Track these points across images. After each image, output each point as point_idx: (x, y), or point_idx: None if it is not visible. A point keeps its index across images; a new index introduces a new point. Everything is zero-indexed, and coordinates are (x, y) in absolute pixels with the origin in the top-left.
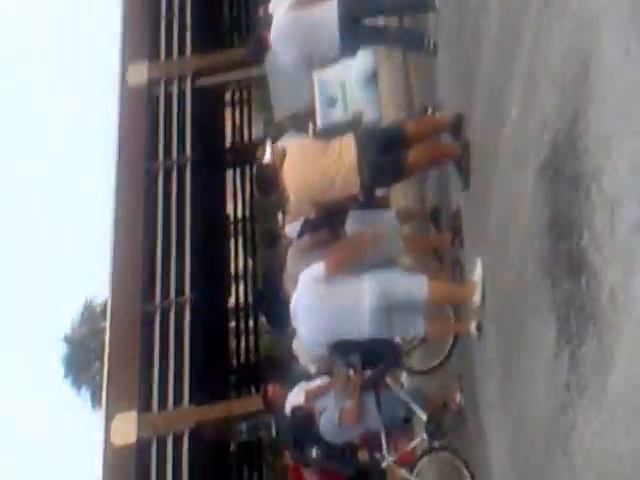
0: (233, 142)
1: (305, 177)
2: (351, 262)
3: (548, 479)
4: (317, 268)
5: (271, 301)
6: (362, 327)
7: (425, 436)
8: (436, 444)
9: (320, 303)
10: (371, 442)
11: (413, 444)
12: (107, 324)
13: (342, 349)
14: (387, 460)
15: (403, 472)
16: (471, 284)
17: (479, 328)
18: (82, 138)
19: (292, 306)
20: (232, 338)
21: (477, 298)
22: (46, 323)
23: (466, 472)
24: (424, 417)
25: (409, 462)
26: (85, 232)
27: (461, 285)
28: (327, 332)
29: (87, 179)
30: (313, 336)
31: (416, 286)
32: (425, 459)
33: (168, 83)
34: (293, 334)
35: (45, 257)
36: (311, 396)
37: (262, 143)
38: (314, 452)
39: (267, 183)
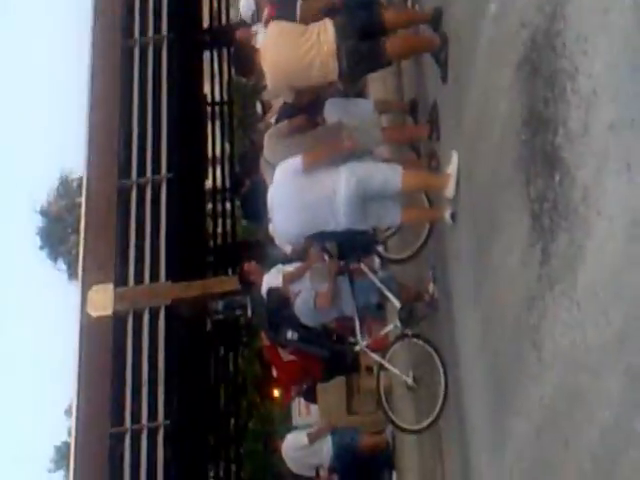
0: (211, 23)
1: (283, 59)
2: (328, 159)
3: (516, 370)
4: (295, 161)
5: (248, 189)
6: (338, 217)
7: (398, 323)
8: (408, 331)
9: (297, 195)
10: (345, 326)
11: (386, 330)
12: (83, 199)
13: (318, 237)
14: (360, 344)
15: (376, 356)
16: (445, 176)
17: (453, 217)
18: (57, 16)
19: (269, 198)
20: (209, 220)
21: (450, 190)
22: (21, 195)
23: (437, 359)
24: (397, 304)
25: (381, 347)
26: (62, 107)
27: (436, 176)
28: (303, 225)
29: (62, 54)
30: (289, 229)
31: (391, 175)
32: (397, 345)
33: None
34: (270, 219)
35: (20, 132)
36: (288, 278)
37: (241, 25)
38: (289, 334)
39: (245, 64)
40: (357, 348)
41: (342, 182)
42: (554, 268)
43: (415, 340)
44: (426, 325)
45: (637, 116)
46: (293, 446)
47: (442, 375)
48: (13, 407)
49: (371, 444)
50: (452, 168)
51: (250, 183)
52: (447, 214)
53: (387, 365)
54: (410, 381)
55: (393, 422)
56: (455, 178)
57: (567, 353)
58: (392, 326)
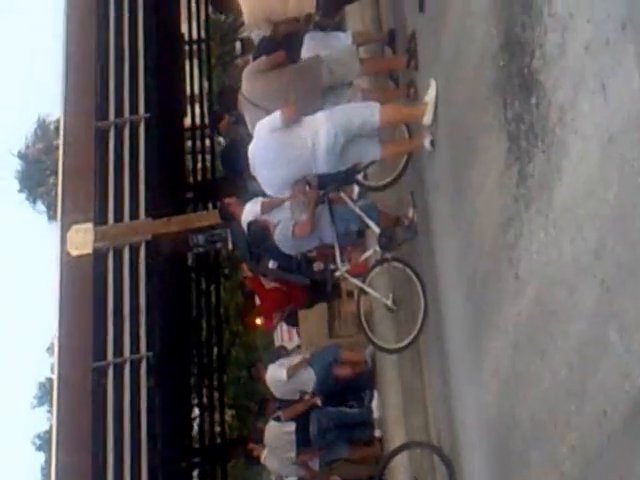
0: None
1: None
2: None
3: (494, 288)
4: (272, 118)
5: (226, 146)
6: (319, 165)
7: (377, 248)
8: (388, 255)
9: (278, 152)
10: (326, 254)
11: (366, 255)
12: (60, 141)
13: None
14: (341, 270)
15: (356, 281)
16: (423, 104)
17: (432, 143)
18: None
19: (250, 156)
20: (189, 157)
21: (429, 117)
22: None
23: (416, 281)
24: (377, 230)
25: (362, 272)
26: (38, 50)
27: (413, 106)
28: (288, 176)
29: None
30: (274, 182)
31: (369, 114)
32: (377, 269)
33: None
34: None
35: None
36: (267, 207)
37: None
38: (270, 263)
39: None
40: (338, 274)
41: (322, 134)
42: (531, 188)
43: (395, 263)
44: (405, 249)
45: (612, 36)
46: (273, 379)
47: (421, 296)
48: None
49: (351, 358)
50: (430, 96)
51: (228, 140)
52: (427, 141)
53: (367, 289)
54: (390, 303)
55: (374, 342)
56: (433, 106)
57: (543, 270)
58: (372, 251)
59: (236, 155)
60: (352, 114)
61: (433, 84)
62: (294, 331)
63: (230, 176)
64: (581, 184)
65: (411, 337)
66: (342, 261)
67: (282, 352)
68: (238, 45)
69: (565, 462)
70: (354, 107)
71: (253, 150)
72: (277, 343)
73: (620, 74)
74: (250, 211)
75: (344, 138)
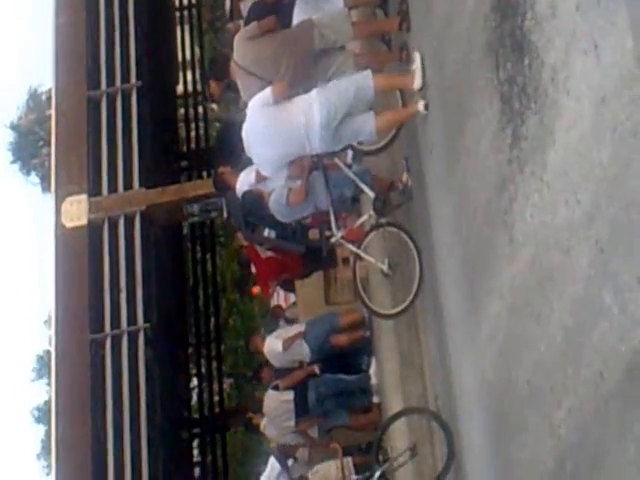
0: None
1: None
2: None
3: (489, 251)
4: (264, 94)
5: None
6: (313, 144)
7: (372, 213)
8: (383, 220)
9: (270, 126)
10: (321, 220)
11: (361, 221)
12: (52, 111)
13: None
14: (336, 236)
15: (351, 247)
16: (411, 72)
17: (427, 107)
18: None
19: (244, 135)
20: (182, 125)
21: (418, 82)
22: None
23: (412, 245)
24: (372, 195)
25: (357, 238)
26: (28, 20)
27: (403, 74)
28: (281, 153)
29: None
30: (268, 159)
31: (362, 81)
32: (372, 234)
33: None
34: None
35: None
36: (261, 176)
37: None
38: (266, 232)
39: None
40: (333, 240)
41: (315, 111)
42: (524, 150)
43: (390, 228)
44: (400, 213)
45: None
46: (271, 350)
47: (417, 260)
48: None
49: (350, 320)
50: (416, 64)
51: (222, 126)
52: (420, 105)
53: (363, 254)
54: (386, 268)
55: (370, 308)
56: (421, 70)
57: (538, 232)
58: (367, 216)
59: (231, 137)
60: (345, 86)
61: (417, 56)
62: (291, 295)
63: (226, 152)
64: (574, 145)
65: (407, 302)
66: (337, 227)
67: (278, 312)
68: (227, 4)
69: (562, 425)
70: (346, 80)
71: (246, 129)
72: (273, 303)
73: (612, 34)
74: (244, 180)
75: (338, 115)
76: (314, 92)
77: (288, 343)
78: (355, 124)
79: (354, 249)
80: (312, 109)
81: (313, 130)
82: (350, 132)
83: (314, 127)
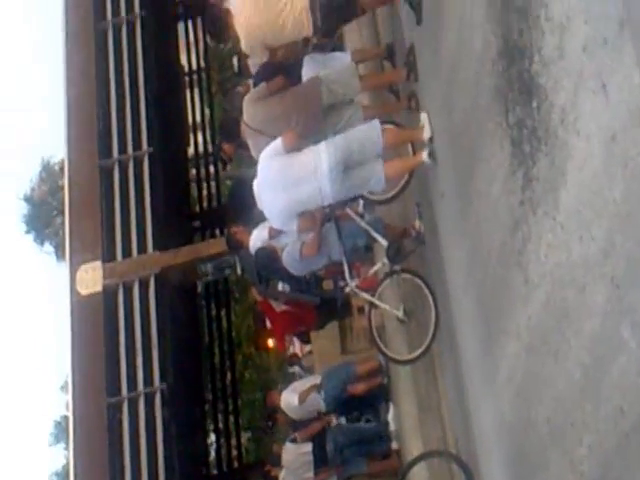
0: None
1: (256, 18)
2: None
3: (504, 293)
4: (275, 144)
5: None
6: (324, 192)
7: (386, 260)
8: (397, 267)
9: (280, 174)
10: (334, 271)
11: (374, 269)
12: (65, 180)
13: None
14: (350, 286)
15: (366, 295)
16: (419, 127)
17: (431, 155)
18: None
19: (255, 188)
20: (194, 185)
21: (427, 132)
22: (4, 186)
23: (426, 290)
24: (384, 243)
25: (371, 286)
26: (38, 92)
27: (412, 128)
28: (291, 203)
29: (35, 43)
30: (277, 209)
31: (371, 132)
32: (387, 282)
33: None
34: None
35: None
36: (274, 232)
37: None
38: (280, 285)
39: (219, 28)
40: (347, 290)
41: (323, 157)
42: (536, 192)
43: (404, 275)
44: (414, 259)
45: (609, 35)
46: (288, 404)
47: (432, 305)
48: (10, 388)
49: (367, 369)
50: (423, 120)
51: (233, 182)
52: (424, 154)
53: (378, 302)
54: (401, 314)
55: (387, 355)
56: (429, 125)
57: (553, 272)
58: (380, 264)
59: (243, 193)
60: (353, 137)
61: (424, 115)
62: (306, 348)
63: (237, 209)
64: (586, 184)
65: (424, 347)
66: (351, 277)
67: (295, 360)
68: (235, 62)
69: (584, 462)
70: (354, 130)
71: (258, 180)
72: (289, 352)
73: (620, 72)
74: (258, 237)
75: (346, 162)
76: (323, 143)
77: (304, 396)
78: (365, 173)
79: (369, 297)
80: (321, 157)
81: (323, 176)
82: (360, 181)
83: (324, 173)
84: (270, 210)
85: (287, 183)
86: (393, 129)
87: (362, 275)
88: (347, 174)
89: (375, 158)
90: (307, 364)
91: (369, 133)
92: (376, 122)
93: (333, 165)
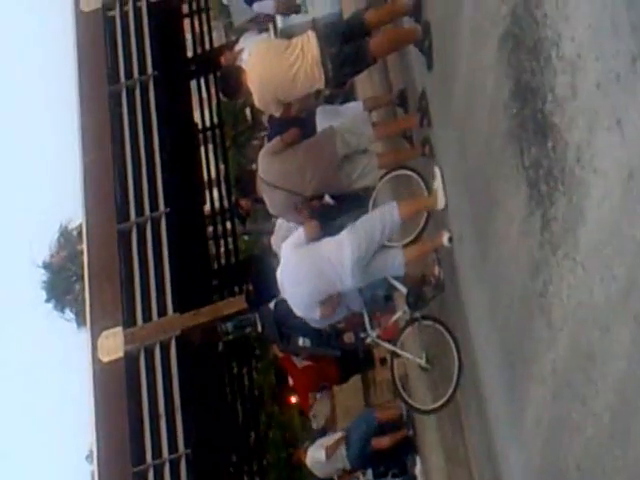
0: (195, 52)
1: (268, 74)
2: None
3: (527, 337)
4: (297, 234)
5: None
6: (344, 281)
7: (406, 308)
8: (417, 314)
9: (302, 265)
10: (355, 322)
11: (395, 317)
12: (84, 246)
13: None
14: (371, 336)
15: (388, 345)
16: (433, 192)
17: (451, 240)
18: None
19: (278, 278)
20: (211, 243)
21: (441, 202)
22: (21, 252)
23: (448, 337)
24: (404, 291)
25: (392, 336)
26: (54, 158)
27: (426, 197)
28: (313, 292)
29: (51, 109)
30: (300, 298)
31: (389, 215)
32: (408, 330)
33: (123, 2)
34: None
35: (17, 188)
36: None
37: (224, 48)
38: (301, 341)
39: (232, 85)
40: (368, 340)
41: (346, 249)
42: (555, 233)
43: (425, 322)
44: (434, 305)
45: (622, 71)
46: (314, 461)
47: (454, 351)
48: (35, 458)
49: (388, 416)
50: (437, 182)
51: (256, 267)
52: (445, 238)
53: (400, 352)
54: (424, 362)
55: (411, 405)
56: (442, 190)
57: (576, 313)
58: (401, 312)
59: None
60: (373, 225)
61: (438, 173)
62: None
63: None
64: (605, 223)
65: (448, 395)
66: (372, 327)
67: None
68: (248, 113)
69: None
70: (373, 218)
71: (281, 270)
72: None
73: (633, 107)
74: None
75: (370, 251)
76: (344, 232)
77: (332, 450)
78: (385, 259)
79: (390, 347)
80: (342, 247)
81: (344, 267)
82: (380, 267)
83: (345, 264)
84: (293, 301)
85: (309, 276)
86: (408, 202)
87: (383, 325)
88: (368, 263)
89: (393, 245)
90: (320, 422)
91: (389, 219)
92: (394, 204)
93: (355, 261)
